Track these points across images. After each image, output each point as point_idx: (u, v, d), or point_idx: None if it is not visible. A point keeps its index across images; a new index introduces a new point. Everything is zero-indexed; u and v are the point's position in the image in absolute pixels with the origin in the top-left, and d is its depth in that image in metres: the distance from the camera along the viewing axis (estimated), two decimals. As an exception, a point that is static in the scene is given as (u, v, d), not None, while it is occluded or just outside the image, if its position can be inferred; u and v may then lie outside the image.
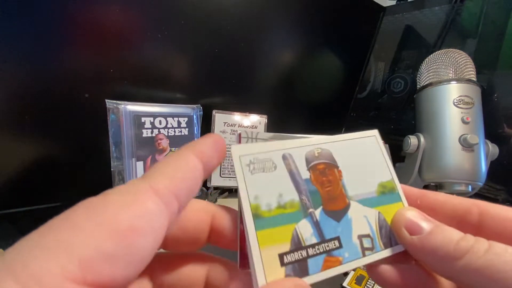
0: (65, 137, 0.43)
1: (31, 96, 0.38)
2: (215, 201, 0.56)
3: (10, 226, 0.43)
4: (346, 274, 0.42)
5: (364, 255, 0.15)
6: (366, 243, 0.15)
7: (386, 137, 0.19)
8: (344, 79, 0.74)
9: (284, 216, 0.15)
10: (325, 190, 0.16)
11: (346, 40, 0.68)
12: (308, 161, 0.17)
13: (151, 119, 0.44)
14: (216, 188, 0.56)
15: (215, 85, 0.54)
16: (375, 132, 0.19)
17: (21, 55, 0.36)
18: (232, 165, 0.16)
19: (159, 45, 0.46)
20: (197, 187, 0.14)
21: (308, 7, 0.59)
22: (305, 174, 0.17)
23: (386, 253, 0.15)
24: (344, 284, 0.40)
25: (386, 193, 0.17)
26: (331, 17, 0.63)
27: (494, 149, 0.49)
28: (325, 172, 0.17)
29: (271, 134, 0.18)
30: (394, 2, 0.77)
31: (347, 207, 0.16)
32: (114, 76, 0.43)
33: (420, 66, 0.55)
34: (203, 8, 0.47)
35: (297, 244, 0.15)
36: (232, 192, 0.59)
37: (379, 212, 0.16)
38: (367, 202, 0.16)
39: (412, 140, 0.51)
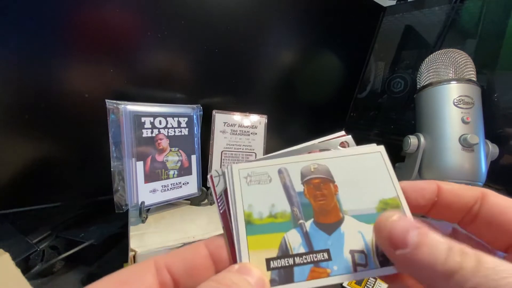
0: (65, 137, 0.43)
1: (31, 96, 0.38)
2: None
3: (10, 226, 0.43)
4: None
5: (355, 271, 0.15)
6: (359, 259, 0.15)
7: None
8: (344, 79, 0.74)
9: (274, 225, 0.16)
10: (317, 203, 0.17)
11: (346, 40, 0.68)
12: (303, 176, 0.17)
13: (151, 119, 0.44)
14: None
15: (215, 85, 0.54)
16: (380, 148, 0.18)
17: (21, 54, 0.36)
18: None
19: (159, 45, 0.46)
20: (198, 265, 0.15)
21: (308, 7, 0.59)
22: (299, 187, 0.17)
23: (382, 272, 0.15)
24: (344, 284, 0.40)
25: (388, 211, 0.16)
26: (331, 17, 0.63)
27: (494, 149, 0.49)
28: (320, 186, 0.17)
29: (264, 157, 0.18)
30: (394, 2, 0.77)
31: (340, 221, 0.16)
32: (114, 76, 0.43)
33: (420, 66, 0.55)
34: (203, 8, 0.47)
35: (284, 252, 0.15)
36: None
37: None
38: (364, 218, 0.16)
39: (412, 140, 0.51)
